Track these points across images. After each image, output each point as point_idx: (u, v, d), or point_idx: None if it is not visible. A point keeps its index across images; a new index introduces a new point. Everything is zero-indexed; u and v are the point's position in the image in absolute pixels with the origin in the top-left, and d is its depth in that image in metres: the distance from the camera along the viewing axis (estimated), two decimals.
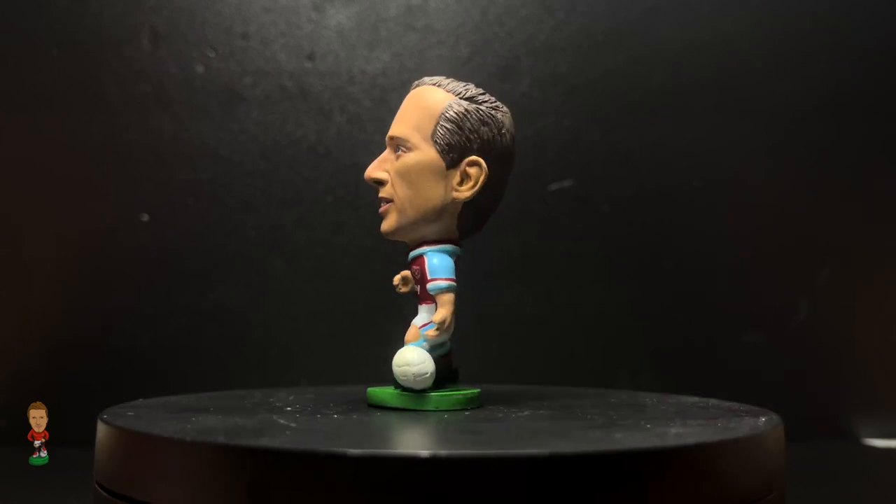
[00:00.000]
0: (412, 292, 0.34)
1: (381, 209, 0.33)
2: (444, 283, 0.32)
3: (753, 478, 0.26)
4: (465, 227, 0.33)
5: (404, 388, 0.32)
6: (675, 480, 0.24)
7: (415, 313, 0.33)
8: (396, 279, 0.34)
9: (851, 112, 0.59)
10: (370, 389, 0.33)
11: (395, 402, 0.32)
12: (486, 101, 0.33)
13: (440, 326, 0.31)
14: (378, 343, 0.55)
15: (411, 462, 0.22)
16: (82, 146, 0.56)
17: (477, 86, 0.33)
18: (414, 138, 0.32)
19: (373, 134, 0.56)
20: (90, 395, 0.44)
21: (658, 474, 0.23)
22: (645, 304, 0.58)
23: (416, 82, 0.34)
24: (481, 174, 0.32)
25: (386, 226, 0.33)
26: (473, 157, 0.32)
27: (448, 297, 0.32)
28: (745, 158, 0.58)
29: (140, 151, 0.56)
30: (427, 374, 0.31)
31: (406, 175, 0.32)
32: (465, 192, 0.32)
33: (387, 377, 0.34)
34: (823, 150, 0.59)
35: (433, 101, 0.32)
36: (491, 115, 0.32)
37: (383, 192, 0.33)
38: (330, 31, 0.57)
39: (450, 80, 0.33)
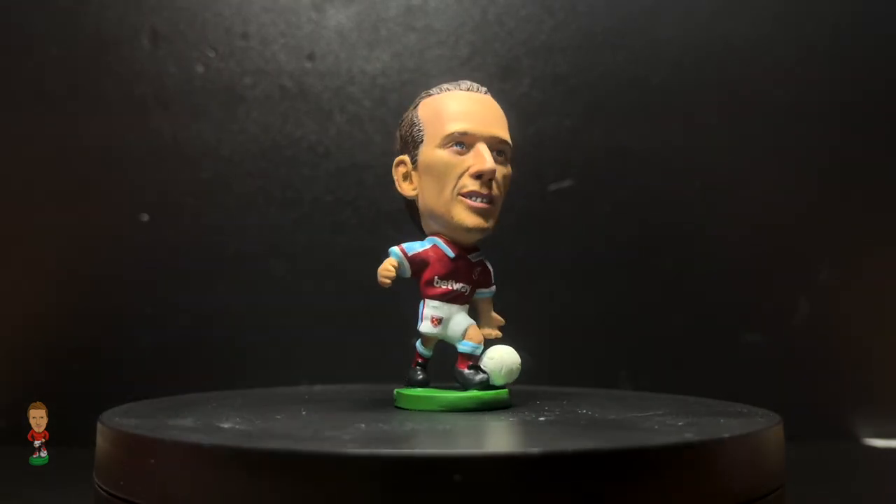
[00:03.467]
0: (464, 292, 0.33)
1: (482, 206, 0.32)
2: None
3: (753, 478, 0.26)
4: None
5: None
6: (675, 480, 0.24)
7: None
8: (392, 272, 0.33)
9: (852, 111, 0.59)
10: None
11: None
12: None
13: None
14: (378, 343, 0.56)
15: (440, 461, 0.22)
16: (82, 146, 0.56)
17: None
18: (509, 151, 0.33)
19: (372, 134, 0.56)
20: (90, 395, 0.44)
21: (658, 474, 0.23)
22: (645, 305, 0.58)
23: (476, 86, 0.33)
24: None
25: (490, 223, 0.32)
26: None
27: None
28: (745, 158, 0.58)
29: (140, 151, 0.56)
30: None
31: (505, 183, 0.33)
32: None
33: (389, 377, 0.34)
34: (823, 150, 0.59)
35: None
36: None
37: (487, 190, 0.32)
38: (330, 31, 0.57)
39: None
